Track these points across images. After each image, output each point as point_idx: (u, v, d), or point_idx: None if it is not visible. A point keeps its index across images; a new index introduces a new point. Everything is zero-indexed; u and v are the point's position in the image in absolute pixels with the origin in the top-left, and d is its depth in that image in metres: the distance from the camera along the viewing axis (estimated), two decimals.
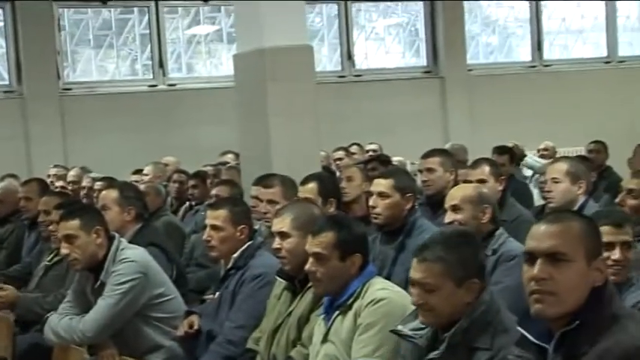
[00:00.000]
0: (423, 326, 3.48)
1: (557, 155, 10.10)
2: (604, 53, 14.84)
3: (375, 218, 5.40)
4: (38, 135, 11.81)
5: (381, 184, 5.41)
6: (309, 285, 4.29)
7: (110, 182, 7.45)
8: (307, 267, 4.08)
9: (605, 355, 2.57)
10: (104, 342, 5.14)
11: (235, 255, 5.06)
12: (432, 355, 3.40)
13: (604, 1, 14.72)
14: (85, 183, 9.10)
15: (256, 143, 7.70)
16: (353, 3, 13.67)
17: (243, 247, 5.08)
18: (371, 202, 5.42)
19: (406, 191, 5.38)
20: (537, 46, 14.48)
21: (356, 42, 13.74)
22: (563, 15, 14.66)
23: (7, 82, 12.23)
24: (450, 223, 4.89)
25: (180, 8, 13.16)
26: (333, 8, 13.60)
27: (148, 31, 12.84)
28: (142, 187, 7.66)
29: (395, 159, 9.53)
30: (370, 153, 10.59)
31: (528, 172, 10.06)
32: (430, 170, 6.39)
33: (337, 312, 4.04)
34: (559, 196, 5.76)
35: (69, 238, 5.15)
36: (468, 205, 4.87)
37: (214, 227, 5.08)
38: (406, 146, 10.82)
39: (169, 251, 6.06)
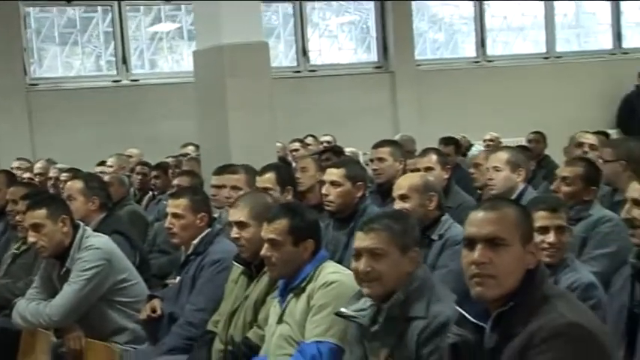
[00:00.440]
0: (365, 307, 3.51)
1: (501, 145, 10.22)
2: (543, 49, 14.93)
3: (328, 206, 5.42)
4: (6, 129, 11.63)
5: (333, 174, 5.43)
6: (265, 270, 4.31)
7: (75, 173, 7.42)
8: (262, 252, 4.09)
9: (537, 332, 2.59)
10: (70, 325, 5.12)
11: (195, 241, 5.07)
12: (372, 329, 3.42)
13: (543, 1, 14.80)
14: (51, 174, 9.05)
15: (216, 136, 7.69)
16: (307, 2, 13.64)
17: (203, 234, 5.09)
18: (324, 191, 5.45)
19: (357, 180, 5.41)
20: (481, 42, 14.54)
21: (310, 39, 13.72)
22: (505, 13, 14.73)
23: None
24: None
25: (142, 7, 13.06)
26: (289, 7, 13.56)
27: (111, 29, 12.73)
28: (106, 177, 7.62)
29: (348, 150, 9.54)
30: (324, 144, 10.61)
31: None
32: (381, 160, 6.44)
33: (291, 294, 4.05)
34: (500, 184, 5.81)
35: (36, 227, 5.13)
36: (415, 193, 4.88)
37: (175, 215, 5.09)
38: (358, 137, 10.84)
39: (133, 239, 6.06)
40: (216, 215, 6.44)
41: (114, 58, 12.77)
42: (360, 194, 5.41)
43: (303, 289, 4.01)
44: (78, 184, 6.14)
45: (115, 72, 12.77)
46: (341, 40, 14.18)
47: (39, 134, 11.84)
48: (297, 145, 10.31)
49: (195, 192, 5.46)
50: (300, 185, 6.25)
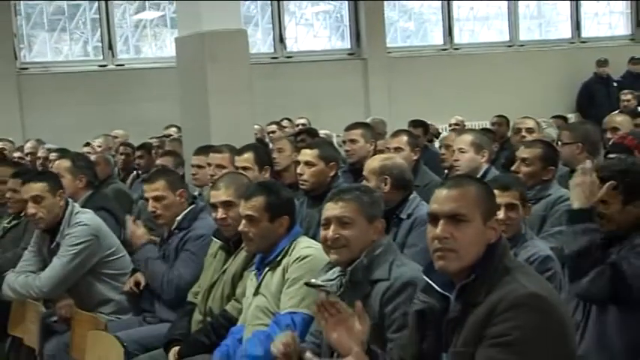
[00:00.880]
0: (332, 277, 3.53)
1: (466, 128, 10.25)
2: (507, 38, 14.95)
3: (302, 184, 5.43)
4: None
5: (307, 154, 5.43)
6: (243, 246, 4.31)
7: (63, 153, 7.37)
8: (240, 227, 4.10)
9: (499, 302, 2.61)
10: (61, 295, 5.12)
11: (179, 218, 5.03)
12: (338, 292, 3.43)
13: None
14: (40, 154, 9.01)
15: (197, 118, 7.66)
16: None
17: (187, 210, 5.05)
18: (298, 170, 5.45)
19: (330, 160, 5.41)
20: (448, 31, 14.54)
21: (287, 27, 13.68)
22: (471, 4, 14.72)
23: None
24: None
25: None
26: None
27: (98, 16, 12.66)
28: (92, 157, 7.60)
29: (322, 132, 9.53)
30: (300, 126, 10.60)
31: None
32: (353, 141, 6.44)
33: (267, 268, 4.06)
34: (465, 165, 5.83)
35: (36, 199, 5.14)
36: (372, 176, 4.87)
37: (156, 198, 5.02)
38: (332, 120, 10.86)
39: (118, 215, 6.04)
40: (196, 193, 6.45)
41: (100, 44, 12.69)
42: (332, 173, 5.41)
43: (279, 263, 4.02)
44: (66, 163, 6.12)
45: (101, 57, 12.69)
46: (316, 28, 14.14)
47: (29, 116, 11.77)
48: (274, 127, 10.30)
49: (167, 172, 5.47)
50: (276, 165, 6.25)
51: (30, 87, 11.96)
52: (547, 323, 2.60)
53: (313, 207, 5.29)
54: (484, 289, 2.67)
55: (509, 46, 14.89)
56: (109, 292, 5.22)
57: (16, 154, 9.43)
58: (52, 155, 7.96)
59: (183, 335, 4.48)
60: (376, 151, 6.32)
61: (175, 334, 4.51)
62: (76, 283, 5.14)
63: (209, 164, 6.21)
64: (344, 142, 6.62)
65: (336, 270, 3.54)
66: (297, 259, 3.97)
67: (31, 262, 5.30)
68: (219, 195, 4.51)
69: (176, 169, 7.38)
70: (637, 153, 4.94)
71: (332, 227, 3.47)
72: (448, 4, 14.49)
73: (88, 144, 9.46)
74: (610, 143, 5.59)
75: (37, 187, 5.16)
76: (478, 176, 5.61)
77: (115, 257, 5.28)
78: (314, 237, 4.55)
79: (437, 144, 9.84)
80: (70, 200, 5.36)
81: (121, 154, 8.91)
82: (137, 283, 5.12)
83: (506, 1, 14.85)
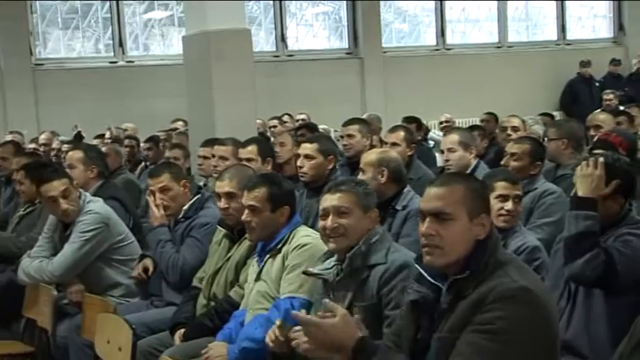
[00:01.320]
0: (329, 266, 3.54)
1: (455, 125, 10.24)
2: (496, 39, 14.92)
3: (302, 176, 5.41)
4: (14, 104, 11.61)
5: (307, 148, 5.41)
6: (246, 235, 4.29)
7: (76, 144, 7.36)
8: (243, 217, 4.08)
9: (489, 293, 2.58)
10: (72, 280, 5.11)
11: (185, 207, 5.01)
12: (337, 278, 3.46)
13: None
14: (54, 145, 9.00)
15: (202, 112, 7.65)
16: None
17: (193, 200, 5.03)
18: (298, 163, 5.43)
19: (328, 154, 5.39)
20: (441, 32, 14.51)
21: (288, 27, 13.64)
22: (462, 6, 14.70)
23: None
24: None
25: None
26: None
27: (109, 15, 12.63)
28: (103, 148, 7.58)
29: (321, 127, 9.51)
30: (300, 122, 10.58)
31: (432, 143, 10.09)
32: (350, 136, 6.42)
33: (268, 255, 4.04)
34: (456, 163, 5.81)
35: (64, 193, 5.11)
36: (369, 167, 4.85)
37: (162, 190, 4.97)
38: (330, 116, 10.84)
39: (127, 204, 6.04)
40: (201, 184, 6.44)
41: (111, 42, 12.67)
42: (331, 166, 5.39)
43: (279, 250, 4.01)
44: (78, 154, 6.10)
45: (112, 54, 12.67)
46: (316, 29, 14.11)
47: (43, 109, 11.75)
48: (275, 122, 10.28)
49: (170, 165, 5.44)
50: (278, 158, 6.23)
51: (45, 82, 11.93)
52: (533, 317, 2.57)
53: (312, 198, 5.26)
54: (475, 282, 2.64)
55: (499, 47, 14.87)
56: (118, 277, 5.21)
57: (31, 145, 9.40)
58: (65, 147, 7.95)
59: (188, 318, 4.47)
60: (372, 146, 6.30)
61: (181, 318, 4.50)
62: (87, 268, 5.13)
63: (213, 155, 6.20)
64: (342, 136, 6.60)
65: (332, 259, 3.55)
66: (296, 246, 3.96)
67: (44, 247, 5.28)
68: (224, 186, 4.49)
69: (185, 161, 7.40)
70: (621, 150, 4.93)
71: (330, 217, 3.47)
72: (441, 7, 14.45)
73: (99, 136, 9.46)
74: (595, 140, 5.58)
75: (63, 182, 5.14)
76: (468, 171, 5.64)
77: (124, 244, 5.27)
78: (313, 226, 4.54)
79: (432, 143, 9.85)
80: (81, 190, 5.36)
81: (127, 146, 8.89)
82: (145, 270, 5.11)
83: (496, 4, 14.81)
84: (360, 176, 4.84)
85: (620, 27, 15.51)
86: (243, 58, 7.60)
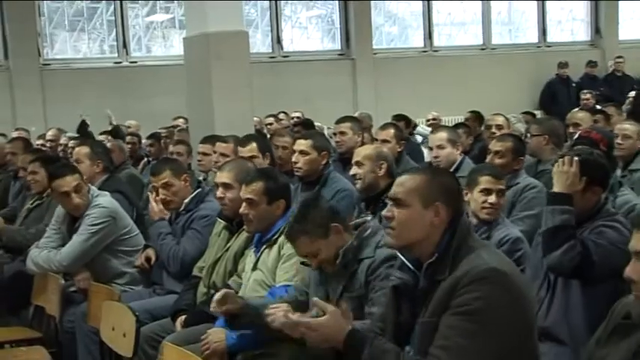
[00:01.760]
0: None
1: (442, 122, 10.24)
2: (480, 42, 14.92)
3: (297, 171, 5.41)
4: (23, 102, 11.56)
5: (302, 144, 5.41)
6: (244, 227, 4.29)
7: (82, 140, 7.35)
8: (241, 210, 4.09)
9: (463, 276, 2.61)
10: (79, 269, 5.09)
11: (187, 200, 5.01)
12: (330, 272, 3.48)
13: (481, 0, 14.82)
14: (61, 141, 8.97)
15: (202, 111, 7.65)
16: None
17: (194, 194, 5.03)
18: (294, 158, 5.43)
19: (322, 150, 5.40)
20: (428, 35, 14.50)
21: (284, 29, 13.63)
22: (449, 10, 14.70)
23: None
24: (354, 175, 4.91)
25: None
26: (265, 2, 13.48)
27: (113, 18, 12.59)
28: (108, 144, 7.57)
29: (314, 124, 9.51)
30: (294, 119, 10.57)
31: (419, 138, 10.10)
32: (342, 133, 6.41)
33: (265, 246, 4.05)
34: (444, 159, 5.80)
35: (77, 188, 5.09)
36: (367, 161, 4.86)
37: (164, 186, 4.97)
38: (324, 114, 10.83)
39: (131, 197, 6.03)
40: (201, 178, 6.44)
41: (115, 43, 12.64)
42: (324, 162, 5.40)
43: (275, 241, 4.01)
44: (85, 150, 6.10)
45: (116, 55, 12.64)
46: (310, 31, 14.09)
47: (50, 107, 11.71)
48: (271, 119, 10.27)
49: (171, 161, 5.43)
50: (279, 159, 6.14)
51: (52, 81, 11.89)
52: (506, 295, 2.59)
53: (307, 192, 5.27)
54: (447, 266, 2.68)
55: (483, 49, 14.87)
56: (122, 267, 5.20)
57: (39, 142, 9.38)
58: (72, 143, 7.93)
59: (189, 306, 4.47)
60: (363, 142, 6.30)
61: (182, 305, 4.50)
62: (94, 258, 5.12)
63: (214, 152, 6.19)
64: (334, 134, 6.60)
65: None
66: None
67: (52, 238, 5.27)
68: (222, 176, 4.51)
69: (188, 157, 7.40)
70: (602, 146, 4.96)
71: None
72: (428, 11, 14.45)
73: (104, 132, 9.44)
74: (576, 137, 5.60)
75: (75, 178, 5.13)
76: (454, 166, 5.65)
77: (129, 236, 5.26)
78: None
79: (418, 138, 9.85)
80: (89, 185, 5.35)
81: (128, 143, 8.87)
82: (148, 259, 5.11)
83: (481, 8, 14.81)
84: (355, 170, 4.86)
85: (597, 30, 15.53)
86: (241, 58, 7.60)
